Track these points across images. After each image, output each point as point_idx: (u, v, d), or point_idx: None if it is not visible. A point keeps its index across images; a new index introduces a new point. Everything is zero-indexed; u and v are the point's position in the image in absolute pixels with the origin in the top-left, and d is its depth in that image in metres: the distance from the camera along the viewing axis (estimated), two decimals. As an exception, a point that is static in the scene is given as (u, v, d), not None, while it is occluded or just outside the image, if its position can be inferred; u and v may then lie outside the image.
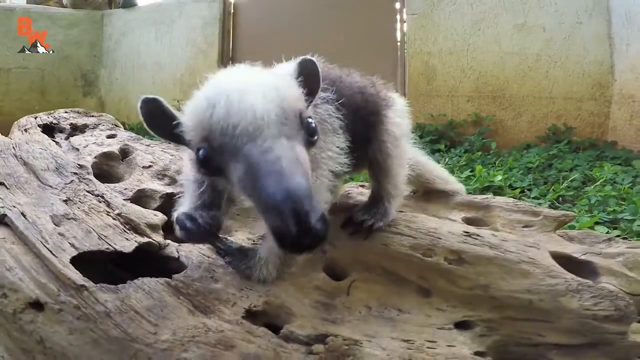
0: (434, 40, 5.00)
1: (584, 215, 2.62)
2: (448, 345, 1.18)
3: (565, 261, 1.41)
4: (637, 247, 1.49)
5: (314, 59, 1.05)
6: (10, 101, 6.31)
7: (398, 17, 5.38)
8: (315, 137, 0.95)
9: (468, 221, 1.54)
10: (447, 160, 4.10)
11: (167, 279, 1.18)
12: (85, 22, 6.80)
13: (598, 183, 3.22)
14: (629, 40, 4.20)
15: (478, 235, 1.37)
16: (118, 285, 1.12)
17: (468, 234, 1.37)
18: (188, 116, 0.95)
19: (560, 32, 4.57)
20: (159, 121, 0.99)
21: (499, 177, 3.36)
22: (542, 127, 4.61)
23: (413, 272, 1.32)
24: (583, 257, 1.42)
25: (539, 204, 2.94)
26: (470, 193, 3.24)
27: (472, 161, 4.01)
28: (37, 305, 1.09)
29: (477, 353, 1.19)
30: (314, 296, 1.24)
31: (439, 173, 1.70)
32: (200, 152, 0.90)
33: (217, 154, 0.88)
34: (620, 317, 1.26)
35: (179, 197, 1.35)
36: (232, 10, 6.38)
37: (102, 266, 1.38)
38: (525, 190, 3.33)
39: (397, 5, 5.37)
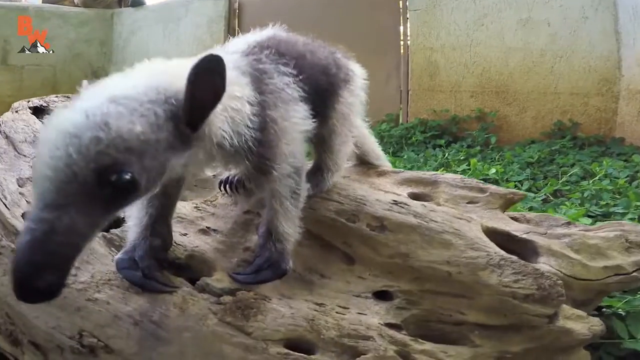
0: (436, 36, 4.96)
1: (574, 208, 2.54)
2: (358, 313, 1.16)
3: (505, 239, 1.36)
4: (591, 230, 1.43)
5: (218, 57, 0.87)
6: (23, 97, 6.31)
7: (400, 13, 5.36)
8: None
9: (414, 196, 1.51)
10: (445, 154, 4.05)
11: (105, 232, 1.21)
12: (95, 20, 6.94)
13: (596, 178, 3.13)
14: (636, 35, 4.10)
15: (405, 204, 1.34)
16: None
17: (395, 202, 1.34)
18: None
19: (565, 27, 4.48)
20: None
21: (493, 171, 3.30)
22: (548, 123, 4.52)
23: (338, 238, 1.30)
24: (524, 236, 1.37)
25: (533, 198, 2.87)
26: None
27: (470, 156, 3.94)
28: None
29: (388, 324, 1.16)
30: (243, 256, 1.23)
31: (375, 149, 1.73)
32: None
33: None
34: (543, 297, 1.19)
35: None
36: (237, 8, 6.45)
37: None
38: (520, 183, 3.26)
39: (400, 2, 5.34)
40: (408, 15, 5.21)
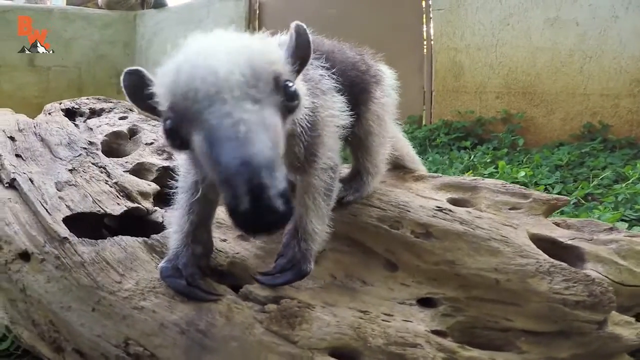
0: (461, 36, 4.89)
1: (609, 212, 2.47)
2: (404, 320, 1.14)
3: (549, 245, 1.33)
4: (637, 236, 1.39)
5: (303, 25, 0.97)
6: (50, 98, 6.48)
7: (424, 13, 5.30)
8: (296, 102, 0.87)
9: (453, 202, 1.49)
10: (472, 157, 3.99)
11: (145, 238, 1.23)
12: (119, 22, 7.02)
13: (630, 181, 3.04)
14: (670, 34, 3.98)
15: (450, 211, 1.32)
16: (98, 240, 1.15)
17: (440, 209, 1.32)
18: (158, 84, 0.88)
19: (595, 27, 4.37)
20: (140, 94, 0.92)
21: (523, 174, 3.23)
22: (577, 124, 4.41)
23: (380, 245, 1.28)
24: (569, 242, 1.33)
25: (565, 201, 2.80)
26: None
27: (497, 158, 3.88)
28: (25, 256, 1.16)
29: (435, 332, 1.14)
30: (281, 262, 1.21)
31: (410, 152, 1.73)
32: (167, 122, 0.82)
33: (182, 124, 0.80)
34: (594, 304, 1.17)
35: (173, 194, 1.28)
36: (258, 9, 6.48)
37: (99, 230, 1.42)
38: (550, 187, 3.18)
39: (423, 1, 5.28)
40: (431, 15, 5.15)
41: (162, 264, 1.13)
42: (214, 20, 6.66)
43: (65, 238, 1.15)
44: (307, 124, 1.03)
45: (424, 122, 5.12)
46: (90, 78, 6.87)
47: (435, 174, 1.62)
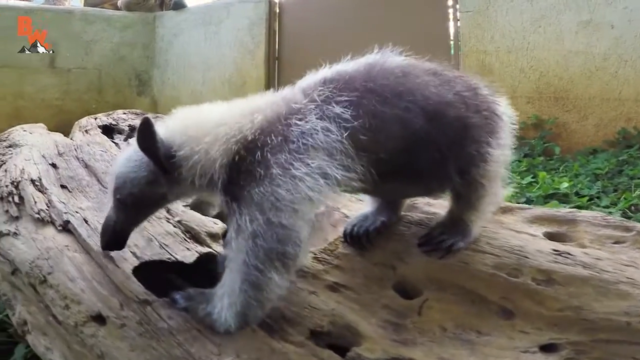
0: (490, 39, 4.78)
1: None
2: None
3: None
4: None
5: (147, 118, 1.09)
6: (70, 100, 6.57)
7: (450, 14, 5.19)
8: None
9: (550, 236, 1.41)
10: (505, 165, 3.89)
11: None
12: (138, 24, 6.98)
13: (677, 191, 2.94)
14: None
15: (569, 254, 1.23)
16: None
17: (558, 253, 1.23)
18: None
19: (630, 30, 4.24)
20: None
21: (565, 185, 3.14)
22: (611, 130, 4.30)
23: (496, 293, 1.20)
24: None
25: (610, 212, 2.71)
26: (532, 201, 3.07)
27: (533, 166, 3.78)
28: (99, 319, 1.06)
29: None
30: (382, 315, 1.14)
31: None
32: None
33: None
34: None
35: None
36: (278, 10, 6.40)
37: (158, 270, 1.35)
38: (594, 198, 3.09)
39: (450, 3, 5.17)
40: (459, 17, 5.05)
41: None
42: (234, 22, 6.60)
43: (146, 300, 1.07)
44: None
45: (451, 127, 5.02)
46: (110, 80, 6.85)
47: (524, 205, 1.54)
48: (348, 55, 1.25)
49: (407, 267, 1.24)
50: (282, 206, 0.98)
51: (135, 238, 1.28)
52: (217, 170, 1.04)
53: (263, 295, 1.01)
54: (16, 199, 1.60)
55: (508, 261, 1.23)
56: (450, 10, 5.20)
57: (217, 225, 1.35)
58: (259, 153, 1.01)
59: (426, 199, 1.62)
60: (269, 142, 1.02)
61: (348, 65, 1.19)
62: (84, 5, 8.19)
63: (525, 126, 4.55)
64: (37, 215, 1.45)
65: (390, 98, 1.09)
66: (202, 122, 1.10)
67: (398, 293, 1.23)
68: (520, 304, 1.18)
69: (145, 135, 1.06)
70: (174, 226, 1.32)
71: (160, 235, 1.28)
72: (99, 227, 1.34)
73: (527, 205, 1.53)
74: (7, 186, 1.69)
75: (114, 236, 1.16)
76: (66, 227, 1.36)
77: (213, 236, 1.31)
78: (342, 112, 1.03)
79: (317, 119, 1.04)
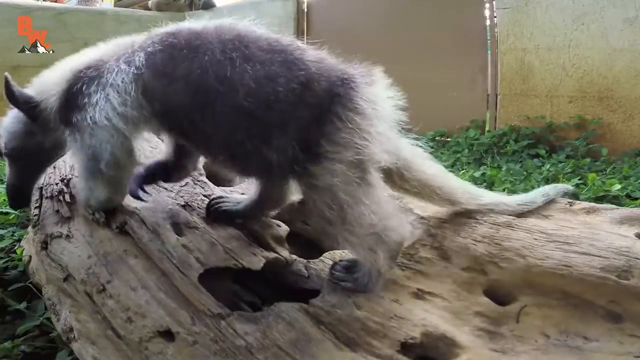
0: (529, 36, 4.63)
1: None
2: None
3: None
4: None
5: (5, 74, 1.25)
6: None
7: (487, 11, 5.04)
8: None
9: None
10: (548, 166, 3.75)
11: (304, 305, 1.03)
12: (169, 23, 6.98)
13: None
14: None
15: None
16: (257, 314, 0.99)
17: None
18: None
19: (680, 26, 4.05)
20: None
21: (618, 187, 2.99)
22: (658, 131, 4.12)
23: (603, 296, 1.12)
24: None
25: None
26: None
27: (578, 168, 3.63)
28: (167, 335, 0.97)
29: None
30: (475, 323, 1.07)
31: (460, 185, 1.31)
32: None
33: None
34: None
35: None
36: (306, 9, 6.38)
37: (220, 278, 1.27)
38: (649, 201, 2.94)
39: (486, -1, 5.03)
40: (496, 14, 4.90)
41: None
42: (263, 21, 6.54)
43: (219, 314, 0.98)
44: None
45: (487, 127, 4.88)
46: (140, 80, 6.87)
47: (609, 205, 1.45)
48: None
49: (501, 272, 1.16)
50: (90, 130, 1.19)
51: (197, 241, 1.20)
52: (56, 100, 1.25)
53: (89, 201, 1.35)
54: (67, 197, 1.53)
55: (617, 263, 1.14)
56: (487, 7, 5.05)
57: (281, 228, 1.27)
58: (80, 83, 1.22)
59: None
60: (89, 74, 1.23)
61: (197, 23, 1.40)
62: (114, 6, 8.27)
63: (567, 127, 4.39)
64: (91, 216, 1.38)
65: (181, 57, 1.21)
66: (57, 68, 1.32)
67: (490, 299, 1.16)
68: (630, 307, 1.11)
69: (6, 89, 1.25)
70: (236, 228, 1.25)
71: (224, 239, 1.21)
72: (158, 229, 1.28)
73: (611, 205, 1.43)
74: (57, 184, 1.61)
75: (15, 191, 1.41)
76: (123, 229, 1.27)
77: (278, 239, 1.23)
78: (138, 59, 1.20)
79: (124, 62, 1.21)
